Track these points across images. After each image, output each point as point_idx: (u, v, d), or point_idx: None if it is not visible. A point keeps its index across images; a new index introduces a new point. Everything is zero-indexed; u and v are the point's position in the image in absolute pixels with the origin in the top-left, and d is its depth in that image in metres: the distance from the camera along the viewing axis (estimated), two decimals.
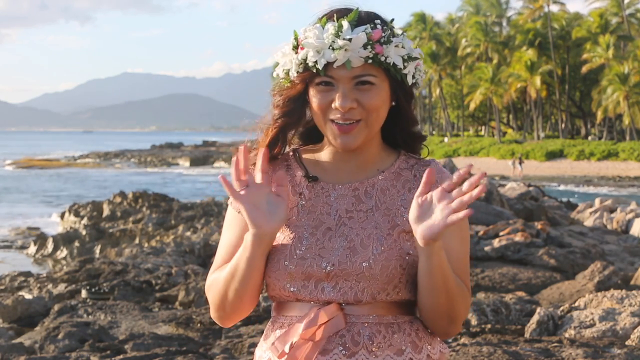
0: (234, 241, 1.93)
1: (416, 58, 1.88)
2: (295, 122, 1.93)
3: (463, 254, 1.93)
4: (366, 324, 1.83)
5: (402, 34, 1.88)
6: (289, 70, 1.89)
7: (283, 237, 1.88)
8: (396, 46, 1.85)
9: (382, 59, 1.83)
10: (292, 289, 1.85)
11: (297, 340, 1.82)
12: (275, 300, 1.92)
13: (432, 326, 1.89)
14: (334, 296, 1.82)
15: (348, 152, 1.91)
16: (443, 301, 1.83)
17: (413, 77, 1.90)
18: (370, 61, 1.83)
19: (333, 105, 1.85)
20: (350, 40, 1.81)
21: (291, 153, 1.98)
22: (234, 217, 1.96)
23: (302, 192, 1.92)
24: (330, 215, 1.89)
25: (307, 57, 1.84)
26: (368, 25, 1.84)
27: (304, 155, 1.97)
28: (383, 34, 1.84)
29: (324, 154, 1.95)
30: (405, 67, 1.87)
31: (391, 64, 1.84)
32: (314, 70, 1.85)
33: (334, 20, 1.85)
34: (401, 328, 1.86)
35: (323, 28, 1.85)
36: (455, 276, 1.84)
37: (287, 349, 1.83)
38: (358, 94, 1.84)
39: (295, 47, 1.88)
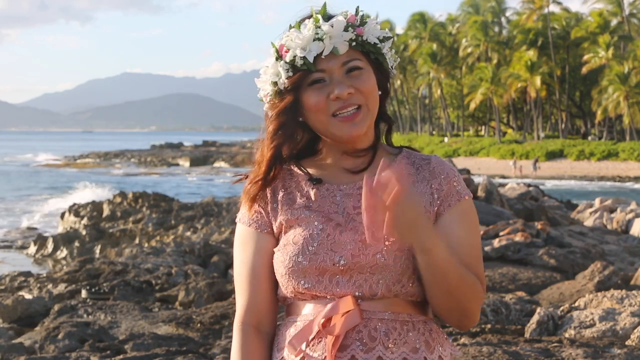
0: (251, 259, 1.94)
1: (389, 37, 1.94)
2: (290, 136, 1.94)
3: (472, 242, 1.92)
4: (382, 320, 1.84)
5: (372, 17, 1.95)
6: (276, 81, 1.92)
7: (294, 235, 1.89)
8: (371, 27, 1.92)
9: (364, 38, 1.90)
10: (306, 285, 1.85)
11: (316, 332, 1.82)
12: (287, 302, 1.93)
13: (445, 319, 1.90)
14: (349, 289, 1.83)
15: (354, 142, 1.92)
16: (444, 297, 1.84)
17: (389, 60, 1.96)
18: (354, 44, 1.89)
19: (331, 97, 1.87)
20: (332, 26, 1.87)
21: (292, 163, 1.99)
22: (246, 233, 1.97)
23: (309, 195, 1.94)
24: (338, 213, 1.90)
25: (294, 58, 1.88)
26: (340, 13, 1.92)
27: (304, 164, 1.99)
28: (356, 17, 1.91)
29: (324, 160, 1.98)
30: (383, 47, 1.93)
31: (372, 44, 1.90)
32: (305, 68, 1.88)
33: (307, 19, 1.92)
34: (415, 327, 1.87)
35: (300, 30, 1.90)
36: (461, 270, 1.83)
37: (304, 347, 1.83)
38: (351, 80, 1.88)
39: (278, 57, 1.91)
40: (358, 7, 1.93)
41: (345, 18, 1.89)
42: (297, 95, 1.90)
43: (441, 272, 1.80)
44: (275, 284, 1.95)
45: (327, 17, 1.89)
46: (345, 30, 1.87)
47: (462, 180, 1.96)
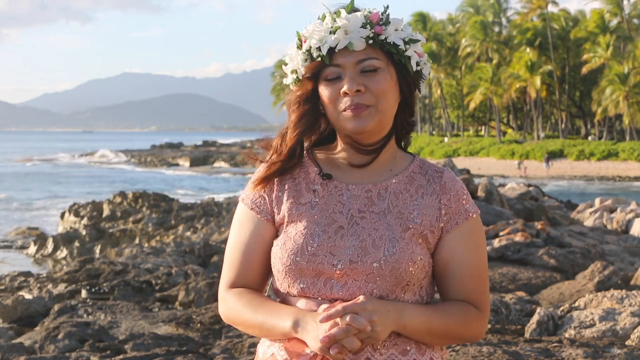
0: (247, 239, 1.94)
1: (417, 40, 1.91)
2: (312, 124, 1.93)
3: (476, 263, 1.91)
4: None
5: (401, 19, 1.91)
6: (296, 70, 1.92)
7: (295, 232, 1.88)
8: (396, 29, 1.88)
9: (383, 38, 1.86)
10: (301, 285, 1.85)
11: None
12: (280, 296, 1.92)
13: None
14: (342, 295, 1.83)
15: (362, 136, 1.90)
16: (437, 342, 1.89)
17: (417, 64, 1.91)
18: (371, 42, 1.86)
19: (341, 92, 1.86)
20: (348, 21, 1.85)
21: (305, 152, 1.98)
22: (246, 215, 1.96)
23: (316, 190, 1.92)
24: (342, 214, 1.89)
25: (310, 47, 1.88)
26: (365, 9, 1.90)
27: (317, 155, 1.98)
28: (381, 16, 1.88)
29: (338, 154, 1.96)
30: (407, 50, 1.89)
31: (392, 44, 1.87)
32: (319, 59, 1.87)
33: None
34: None
35: (323, 22, 1.90)
36: (446, 319, 1.86)
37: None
38: (365, 79, 1.86)
39: (300, 45, 1.91)
40: (387, 6, 1.91)
41: (367, 14, 1.87)
42: (316, 85, 1.90)
43: (424, 332, 1.84)
44: (265, 269, 1.95)
45: (352, 12, 1.89)
46: (363, 27, 1.85)
47: (470, 198, 1.96)
